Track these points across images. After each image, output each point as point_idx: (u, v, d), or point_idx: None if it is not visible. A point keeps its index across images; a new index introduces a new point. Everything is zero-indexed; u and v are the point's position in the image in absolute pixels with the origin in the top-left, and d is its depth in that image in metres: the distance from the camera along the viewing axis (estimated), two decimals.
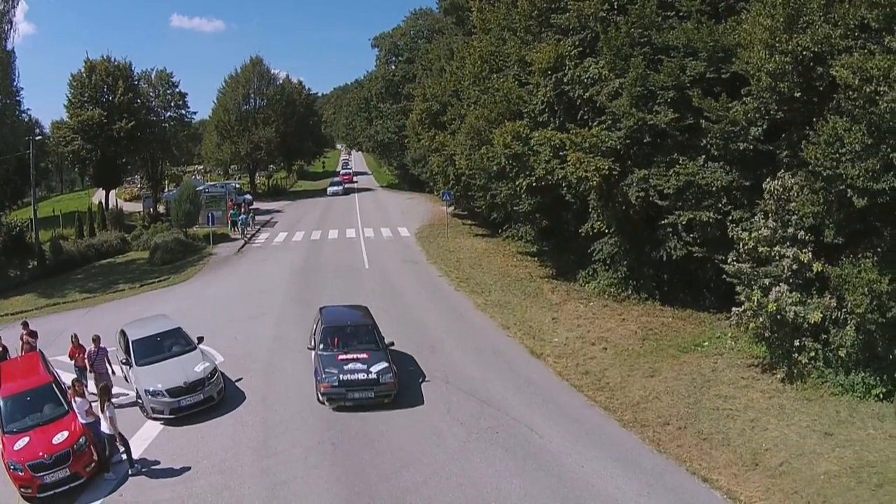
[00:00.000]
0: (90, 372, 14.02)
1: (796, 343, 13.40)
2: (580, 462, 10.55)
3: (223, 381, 14.11)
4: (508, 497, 9.57)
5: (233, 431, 12.44)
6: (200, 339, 15.05)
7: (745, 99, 15.11)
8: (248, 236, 35.41)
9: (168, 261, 30.24)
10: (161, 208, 43.83)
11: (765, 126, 15.25)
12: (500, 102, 22.15)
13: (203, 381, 13.40)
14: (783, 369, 13.60)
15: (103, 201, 42.98)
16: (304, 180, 78.10)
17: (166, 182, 51.82)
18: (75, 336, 14.68)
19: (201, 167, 68.26)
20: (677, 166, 16.59)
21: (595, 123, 18.57)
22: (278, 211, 46.51)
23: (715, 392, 13.12)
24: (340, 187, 56.87)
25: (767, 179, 14.46)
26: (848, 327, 13.03)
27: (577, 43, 19.93)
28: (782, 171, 14.51)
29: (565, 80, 19.53)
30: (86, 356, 14.08)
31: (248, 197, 44.57)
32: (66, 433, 11.06)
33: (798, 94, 13.58)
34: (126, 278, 28.18)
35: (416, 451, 11.11)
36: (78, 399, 11.53)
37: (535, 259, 25.52)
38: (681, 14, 17.63)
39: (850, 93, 12.30)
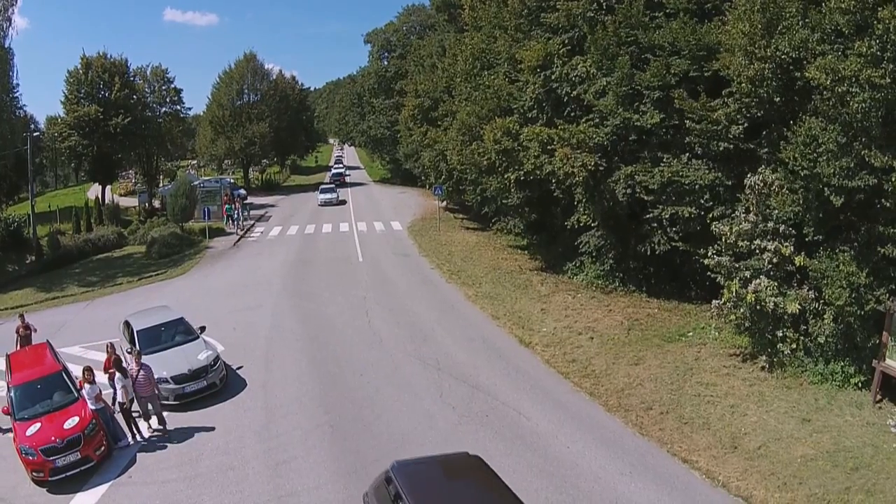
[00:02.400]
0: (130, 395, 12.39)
1: (778, 333, 13.93)
2: (566, 443, 11.07)
3: (225, 369, 14.56)
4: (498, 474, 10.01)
5: (235, 416, 12.97)
6: (202, 329, 15.49)
7: (726, 100, 15.60)
8: (244, 230, 35.76)
9: (165, 254, 30.66)
10: (156, 203, 44.08)
11: (745, 125, 15.76)
12: (491, 99, 22.62)
13: (206, 368, 13.89)
14: (764, 358, 14.12)
15: (99, 196, 43.12)
16: (296, 175, 78.19)
17: (161, 177, 51.91)
18: (111, 346, 13.82)
19: (194, 162, 68.25)
20: (662, 164, 17.08)
21: (583, 120, 19.05)
22: (272, 205, 46.91)
23: (697, 379, 13.62)
24: (335, 194, 45.57)
25: (749, 175, 14.97)
26: (826, 317, 13.54)
27: (565, 41, 20.40)
28: (763, 166, 15.03)
29: (553, 77, 19.99)
30: (128, 375, 12.56)
31: (243, 192, 44.86)
32: (76, 418, 11.50)
33: (777, 99, 14.04)
34: (124, 272, 28.58)
35: (411, 432, 11.64)
36: (88, 386, 11.93)
37: (525, 252, 26.02)
38: (668, 12, 18.09)
39: (825, 94, 12.81)
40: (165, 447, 11.91)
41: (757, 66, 13.63)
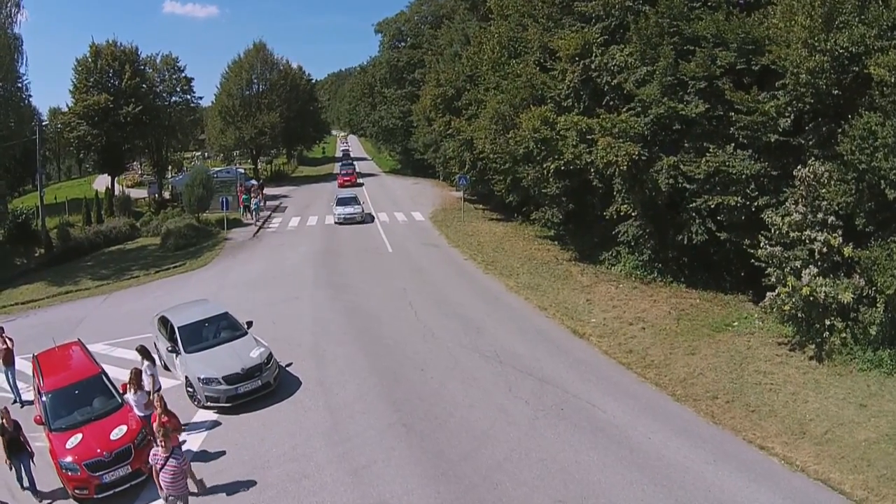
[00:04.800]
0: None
1: (826, 323, 14.19)
2: (646, 434, 11.17)
3: (278, 367, 13.78)
4: (589, 469, 10.13)
5: (296, 417, 12.30)
6: (249, 324, 14.54)
7: (777, 93, 15.68)
8: (262, 221, 35.43)
9: (182, 246, 30.23)
10: (166, 194, 43.52)
11: (792, 118, 15.90)
12: (524, 88, 22.51)
13: (260, 366, 13.09)
14: (813, 347, 14.37)
15: (109, 187, 42.47)
16: (304, 166, 77.21)
17: (170, 168, 51.16)
18: (161, 398, 10.79)
19: (199, 153, 67.35)
20: (708, 154, 17.17)
21: (624, 109, 19.07)
22: (286, 196, 46.31)
23: (754, 368, 13.81)
24: (357, 208, 33.70)
25: (798, 167, 15.12)
26: (878, 306, 13.81)
27: (601, 30, 20.37)
28: (812, 159, 15.18)
29: (593, 66, 19.96)
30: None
31: (254, 182, 44.39)
32: (124, 427, 10.42)
33: (836, 91, 14.14)
34: (139, 265, 28.09)
35: (489, 429, 11.46)
36: (138, 392, 11.15)
37: (556, 243, 26.01)
38: (709, 4, 18.10)
39: (885, 90, 12.93)
40: (224, 453, 11.10)
41: (817, 59, 13.72)
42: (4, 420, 10.24)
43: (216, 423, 12.29)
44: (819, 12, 13.62)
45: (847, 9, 13.62)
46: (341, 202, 34.70)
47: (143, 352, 12.42)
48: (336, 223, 33.16)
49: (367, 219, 33.93)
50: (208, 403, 12.74)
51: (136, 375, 11.41)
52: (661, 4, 18.14)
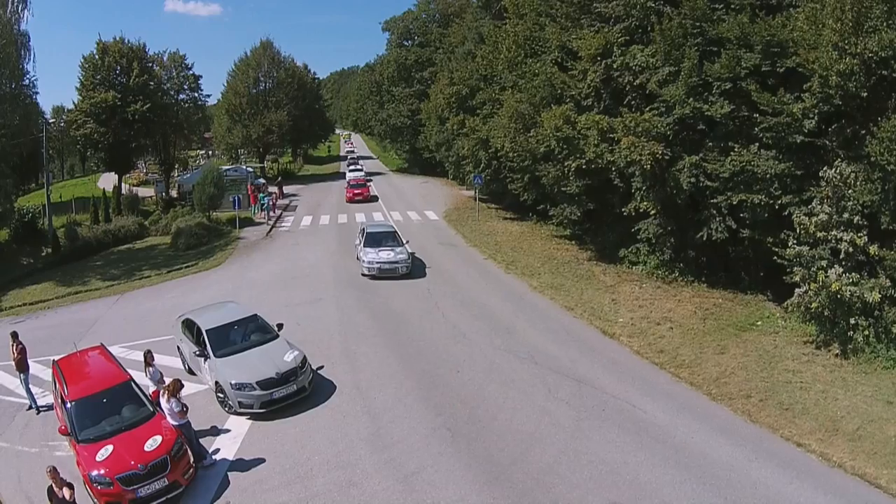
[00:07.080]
0: None
1: (851, 321, 14.48)
2: (688, 434, 11.39)
3: (312, 371, 13.49)
4: (638, 470, 10.32)
5: (335, 423, 12.08)
6: (280, 327, 14.29)
7: (803, 95, 15.90)
8: (273, 220, 35.35)
9: (193, 246, 30.04)
10: (173, 193, 43.30)
11: (816, 119, 16.13)
12: (542, 87, 22.62)
13: (295, 370, 12.79)
14: (837, 346, 14.66)
15: (116, 186, 42.23)
16: (309, 164, 76.81)
17: (177, 166, 50.86)
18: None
19: (202, 151, 66.94)
20: (733, 154, 17.38)
21: (647, 109, 19.24)
22: (294, 195, 46.02)
23: (783, 367, 14.06)
24: (401, 252, 22.17)
25: (824, 168, 15.38)
26: None
27: (622, 31, 20.51)
28: (839, 160, 15.43)
29: (614, 66, 20.10)
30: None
31: (262, 181, 44.22)
32: (159, 438, 9.95)
33: (865, 94, 14.37)
34: (150, 265, 27.87)
35: (535, 432, 11.50)
36: (173, 399, 10.67)
37: (573, 242, 26.15)
38: (732, 6, 18.26)
39: None
40: (263, 462, 10.84)
41: (848, 62, 13.93)
42: (53, 483, 8.74)
43: (250, 430, 12.03)
44: (848, 16, 13.80)
45: (875, 14, 13.83)
46: (372, 240, 22.62)
47: (148, 356, 12.22)
48: (364, 275, 22.01)
49: (417, 268, 22.50)
50: (241, 409, 12.45)
51: (176, 386, 10.90)
52: (683, 6, 18.29)
